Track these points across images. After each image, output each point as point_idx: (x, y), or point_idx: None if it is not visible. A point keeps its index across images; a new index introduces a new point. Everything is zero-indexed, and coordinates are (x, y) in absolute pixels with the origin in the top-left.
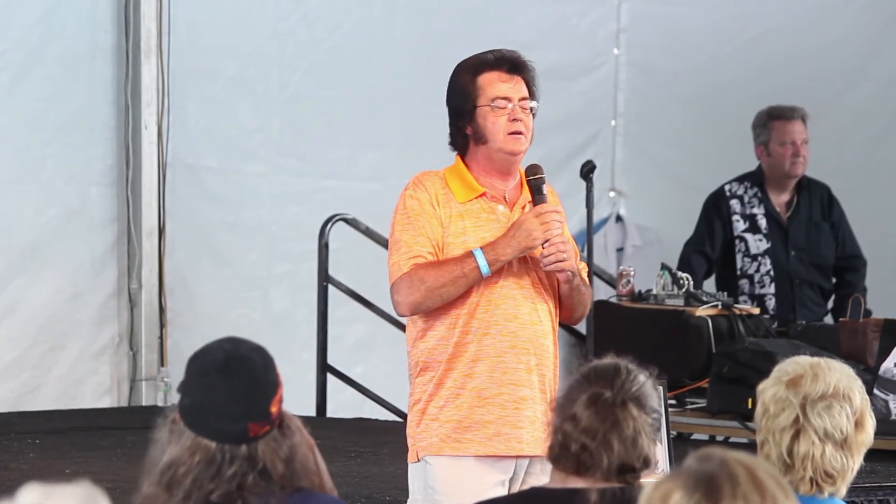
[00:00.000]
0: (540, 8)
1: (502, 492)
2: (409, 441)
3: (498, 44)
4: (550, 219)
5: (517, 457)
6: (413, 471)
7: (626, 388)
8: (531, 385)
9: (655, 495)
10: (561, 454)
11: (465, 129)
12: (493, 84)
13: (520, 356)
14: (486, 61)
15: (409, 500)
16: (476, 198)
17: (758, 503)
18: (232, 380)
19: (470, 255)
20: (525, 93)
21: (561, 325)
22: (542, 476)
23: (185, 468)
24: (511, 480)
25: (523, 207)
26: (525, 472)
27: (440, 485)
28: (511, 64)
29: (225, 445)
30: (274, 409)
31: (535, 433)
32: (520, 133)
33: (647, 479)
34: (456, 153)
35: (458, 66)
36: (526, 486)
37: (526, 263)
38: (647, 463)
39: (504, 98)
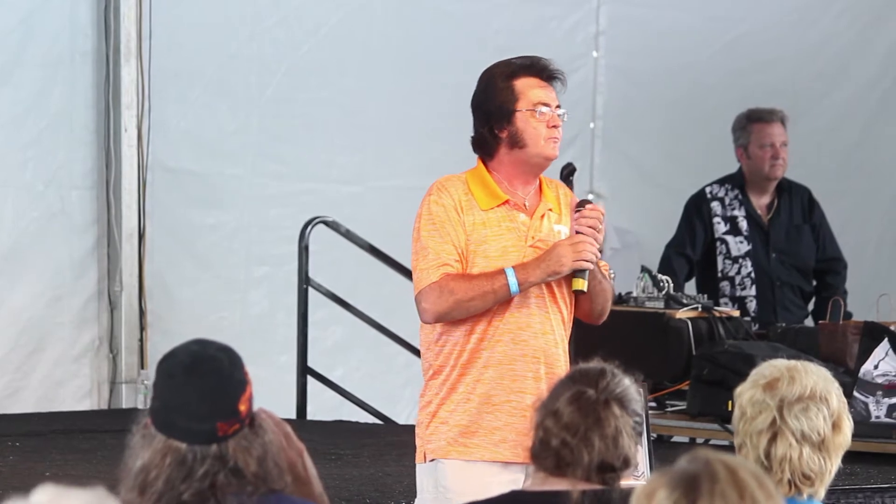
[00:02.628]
0: (518, 11)
1: None
2: (418, 441)
3: (476, 48)
4: (584, 248)
5: (524, 463)
6: (422, 470)
7: (609, 388)
8: (539, 394)
9: (642, 493)
10: (541, 451)
11: (499, 132)
12: (533, 89)
13: (529, 364)
14: (521, 66)
15: (417, 499)
16: (499, 206)
17: (736, 501)
18: (198, 380)
19: (501, 272)
20: (559, 101)
21: None
22: None
23: (157, 471)
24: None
25: (542, 216)
26: None
27: (453, 483)
28: (547, 72)
29: (195, 446)
30: (242, 408)
31: None
32: (557, 139)
33: (627, 482)
34: (478, 157)
35: (491, 69)
36: None
37: None
38: (627, 463)
39: (545, 104)
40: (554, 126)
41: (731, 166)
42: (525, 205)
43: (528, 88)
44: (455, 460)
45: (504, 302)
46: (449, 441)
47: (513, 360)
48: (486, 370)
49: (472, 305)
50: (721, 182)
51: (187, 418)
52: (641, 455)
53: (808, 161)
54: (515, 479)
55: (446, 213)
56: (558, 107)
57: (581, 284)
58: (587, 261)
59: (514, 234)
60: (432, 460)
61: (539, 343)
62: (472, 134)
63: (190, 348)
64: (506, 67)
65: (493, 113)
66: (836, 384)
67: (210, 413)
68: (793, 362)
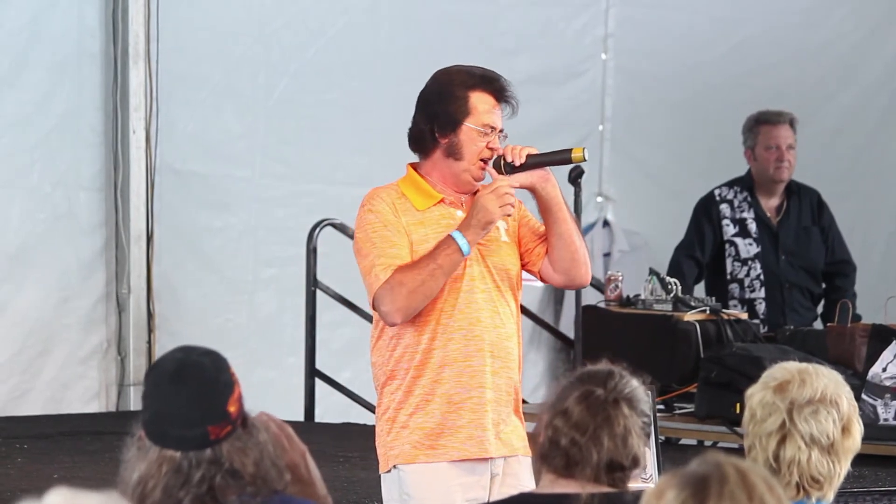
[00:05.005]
0: (526, 13)
1: (482, 493)
2: (380, 451)
3: (484, 50)
4: (507, 200)
5: (490, 459)
6: (386, 480)
7: (618, 388)
8: (498, 388)
9: (652, 493)
10: (551, 450)
11: (440, 137)
12: (484, 106)
13: (485, 359)
14: (482, 80)
15: None
16: (435, 205)
17: (744, 503)
18: (184, 386)
19: (444, 241)
20: (502, 124)
21: (549, 328)
22: (522, 472)
23: (154, 481)
24: (491, 481)
25: None
26: (503, 471)
27: (416, 491)
28: (504, 94)
29: (189, 452)
30: (232, 409)
31: (505, 435)
32: (488, 160)
33: (637, 484)
34: (408, 164)
35: (451, 73)
36: (505, 486)
37: (486, 267)
38: (636, 462)
39: (492, 127)
40: (492, 149)
41: (740, 169)
42: (461, 203)
43: (482, 105)
44: (419, 465)
45: (451, 299)
46: (414, 445)
47: (467, 356)
48: (443, 369)
49: (427, 288)
50: (730, 184)
51: (178, 426)
52: (650, 457)
53: (815, 163)
54: (480, 480)
55: (382, 217)
56: (501, 130)
57: (580, 151)
58: (511, 204)
59: (454, 230)
60: (395, 467)
61: (492, 337)
62: (410, 126)
63: (173, 356)
64: (467, 77)
65: (441, 117)
66: (847, 388)
67: (200, 418)
68: (804, 365)
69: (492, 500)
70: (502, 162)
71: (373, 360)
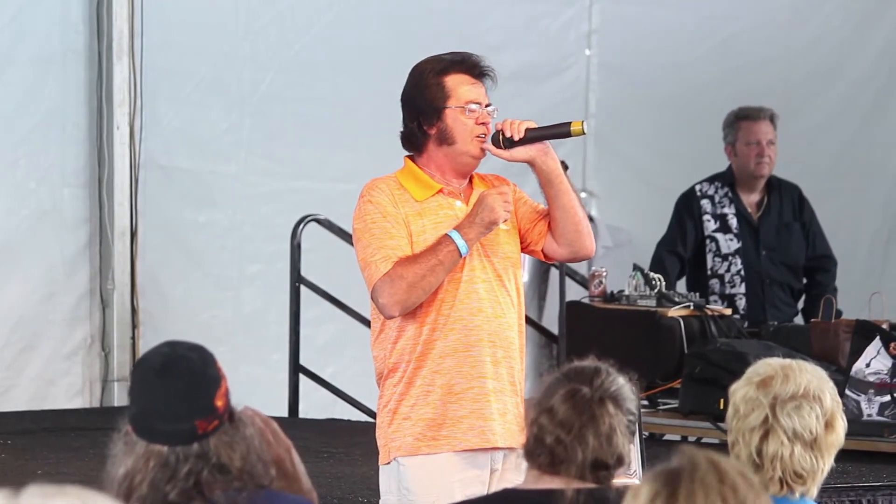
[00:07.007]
0: (511, 9)
1: (481, 489)
2: (381, 442)
3: (469, 45)
4: (508, 199)
5: (492, 449)
6: (385, 472)
7: (604, 386)
8: (499, 377)
9: (631, 493)
10: (535, 447)
11: (428, 129)
12: (462, 86)
13: (485, 349)
14: (452, 62)
15: (381, 502)
16: (433, 195)
17: (716, 486)
18: (171, 381)
19: (443, 239)
20: (488, 99)
21: (532, 324)
22: (519, 470)
23: (141, 475)
24: (490, 476)
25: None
26: (502, 466)
27: (415, 485)
28: (477, 69)
29: (177, 447)
30: (219, 403)
31: (506, 425)
32: (485, 134)
33: (621, 480)
34: (405, 156)
35: (421, 65)
36: (504, 481)
37: (486, 257)
38: (620, 461)
39: (475, 102)
40: (483, 123)
41: (723, 165)
42: (460, 193)
43: (459, 85)
44: (420, 459)
45: (452, 290)
46: (416, 437)
47: (469, 346)
48: (444, 360)
49: (426, 283)
50: (711, 180)
51: (166, 421)
52: (634, 453)
53: (801, 160)
54: (479, 475)
55: (382, 207)
56: (488, 105)
57: (580, 124)
58: (508, 202)
59: (452, 220)
60: (396, 459)
61: (493, 327)
62: (402, 129)
63: (160, 351)
64: (436, 63)
65: (423, 109)
66: (831, 384)
67: (187, 413)
68: (787, 361)
69: None
70: (501, 137)
71: (374, 353)
